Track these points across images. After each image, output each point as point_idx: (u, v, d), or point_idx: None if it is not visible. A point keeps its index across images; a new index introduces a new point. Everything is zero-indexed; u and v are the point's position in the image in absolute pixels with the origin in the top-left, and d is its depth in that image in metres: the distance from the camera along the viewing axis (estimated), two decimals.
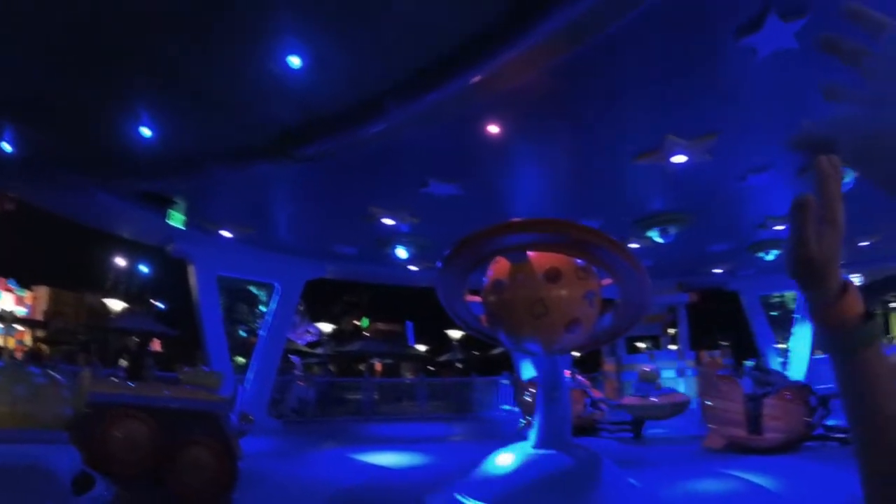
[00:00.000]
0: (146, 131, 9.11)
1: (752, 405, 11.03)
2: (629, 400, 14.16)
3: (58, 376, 3.02)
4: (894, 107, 0.63)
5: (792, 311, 21.46)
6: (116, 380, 6.52)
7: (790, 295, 23.09)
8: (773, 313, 23.02)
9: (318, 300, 29.70)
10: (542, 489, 7.09)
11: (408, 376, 26.73)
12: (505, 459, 7.85)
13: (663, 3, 5.80)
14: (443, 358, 31.42)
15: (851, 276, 19.71)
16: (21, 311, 36.89)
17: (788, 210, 0.77)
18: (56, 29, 6.53)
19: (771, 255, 14.49)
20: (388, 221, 10.32)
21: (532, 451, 7.65)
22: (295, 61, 6.28)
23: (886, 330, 28.80)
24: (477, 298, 7.62)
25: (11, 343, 32.41)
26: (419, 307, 31.81)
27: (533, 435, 7.80)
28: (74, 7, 6.17)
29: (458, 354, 28.93)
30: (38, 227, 17.41)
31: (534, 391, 10.67)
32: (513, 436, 14.20)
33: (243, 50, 6.34)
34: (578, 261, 7.38)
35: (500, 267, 7.25)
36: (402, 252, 11.86)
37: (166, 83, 7.37)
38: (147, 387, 6.30)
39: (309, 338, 28.44)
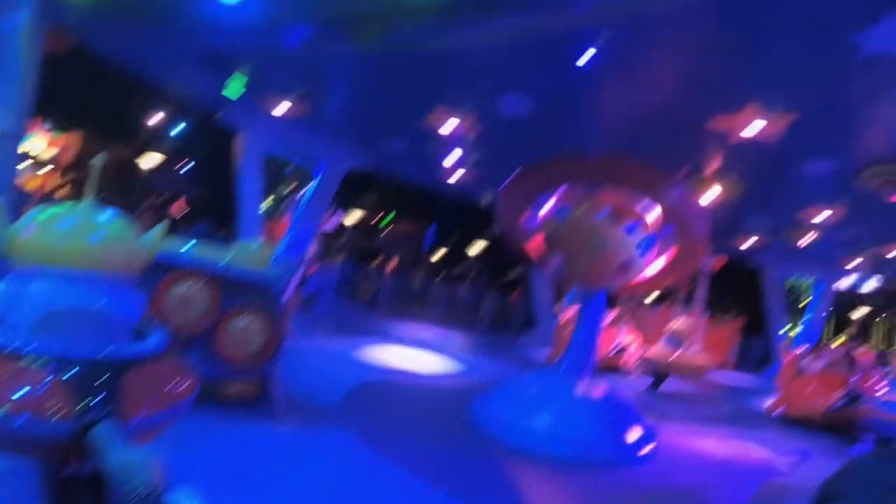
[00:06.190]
0: None
1: None
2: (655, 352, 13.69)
3: (132, 224, 2.85)
4: None
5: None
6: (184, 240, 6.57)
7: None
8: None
9: (350, 189, 29.41)
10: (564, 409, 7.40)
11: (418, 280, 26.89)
12: (531, 381, 8.19)
13: None
14: (457, 270, 31.68)
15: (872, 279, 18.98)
16: (52, 152, 37.06)
17: None
18: None
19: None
20: (448, 129, 10.04)
21: (557, 376, 8.03)
22: None
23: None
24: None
25: (36, 184, 32.54)
26: (448, 215, 31.69)
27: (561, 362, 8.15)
28: None
29: (472, 271, 29.15)
30: (86, 72, 17.05)
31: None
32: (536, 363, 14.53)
33: None
34: (643, 199, 7.32)
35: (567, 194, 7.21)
36: (450, 159, 11.78)
37: None
38: (209, 252, 6.38)
39: (333, 225, 28.61)
